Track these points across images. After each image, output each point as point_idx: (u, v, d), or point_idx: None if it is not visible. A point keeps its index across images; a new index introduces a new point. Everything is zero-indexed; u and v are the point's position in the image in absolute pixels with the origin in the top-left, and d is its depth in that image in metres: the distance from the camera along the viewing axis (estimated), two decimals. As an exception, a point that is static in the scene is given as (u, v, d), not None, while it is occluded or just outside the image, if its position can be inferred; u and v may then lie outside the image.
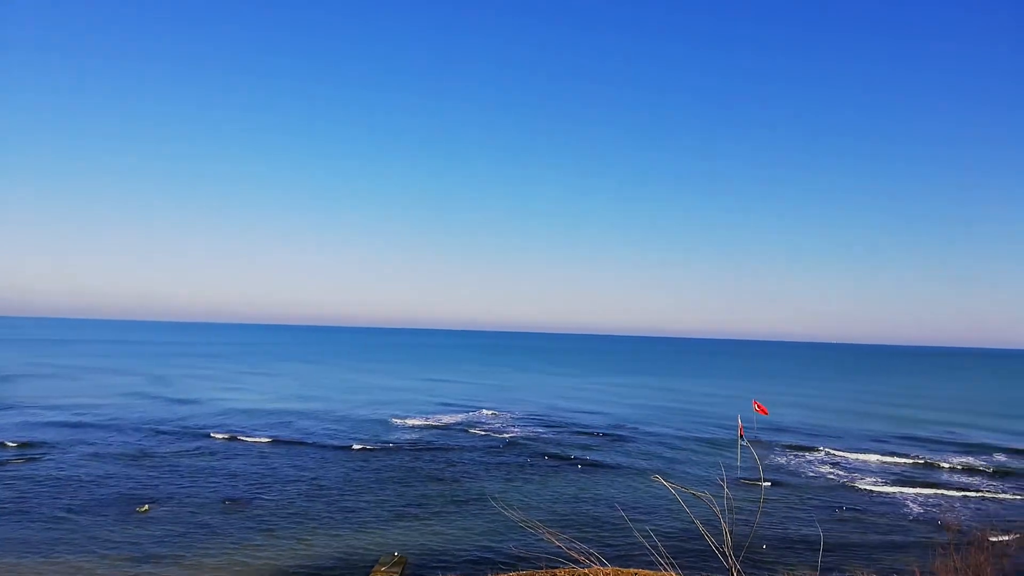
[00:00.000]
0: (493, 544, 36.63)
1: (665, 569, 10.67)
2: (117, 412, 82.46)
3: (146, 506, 42.02)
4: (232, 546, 35.56)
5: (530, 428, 79.48)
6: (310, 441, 66.56)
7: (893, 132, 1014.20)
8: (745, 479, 55.49)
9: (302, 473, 52.71)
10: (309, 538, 37.16)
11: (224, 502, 43.83)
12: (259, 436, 68.11)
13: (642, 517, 42.84)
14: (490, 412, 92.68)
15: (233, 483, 48.93)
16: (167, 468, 52.77)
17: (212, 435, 67.55)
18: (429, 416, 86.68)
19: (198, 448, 61.37)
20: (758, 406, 79.69)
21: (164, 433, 68.15)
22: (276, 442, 65.42)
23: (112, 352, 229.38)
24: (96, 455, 56.73)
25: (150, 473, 51.01)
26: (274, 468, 54.21)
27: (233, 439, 66.22)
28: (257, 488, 47.70)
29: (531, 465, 58.22)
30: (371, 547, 35.91)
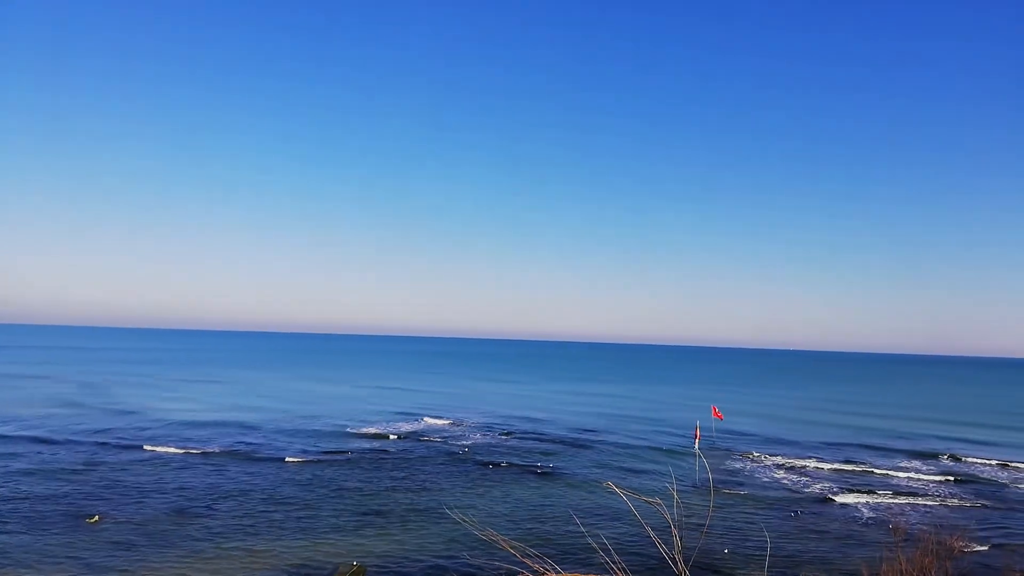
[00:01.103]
0: (452, 553, 36.80)
1: (617, 575, 10.99)
2: (55, 423, 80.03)
3: (96, 516, 41.35)
4: (187, 557, 35.25)
5: (489, 436, 79.72)
6: (264, 451, 65.64)
7: (840, 134, 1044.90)
8: (699, 485, 56.65)
9: (256, 483, 52.16)
10: (265, 549, 36.98)
11: (176, 513, 43.27)
12: (210, 446, 66.99)
13: (598, 524, 43.46)
14: (448, 420, 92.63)
15: (185, 494, 48.15)
16: (115, 480, 51.69)
17: (160, 446, 66.12)
18: (386, 425, 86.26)
19: (146, 459, 60.10)
20: (716, 411, 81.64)
21: (108, 445, 66.46)
22: (228, 452, 64.36)
23: (52, 359, 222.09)
24: (34, 470, 54.93)
25: (97, 486, 49.89)
26: (227, 478, 53.53)
27: (182, 449, 64.97)
28: (210, 498, 47.02)
29: (490, 473, 58.46)
30: (329, 557, 35.86)
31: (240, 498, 47.27)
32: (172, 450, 63.77)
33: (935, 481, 61.43)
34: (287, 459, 61.18)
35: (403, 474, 56.54)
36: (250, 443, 69.34)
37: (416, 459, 63.56)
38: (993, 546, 41.21)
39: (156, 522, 41.16)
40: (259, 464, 58.99)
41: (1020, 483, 60.96)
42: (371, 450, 67.84)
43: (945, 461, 72.30)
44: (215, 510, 44.13)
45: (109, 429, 75.67)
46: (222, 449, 65.36)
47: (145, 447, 64.96)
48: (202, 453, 62.91)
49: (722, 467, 64.86)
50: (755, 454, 72.27)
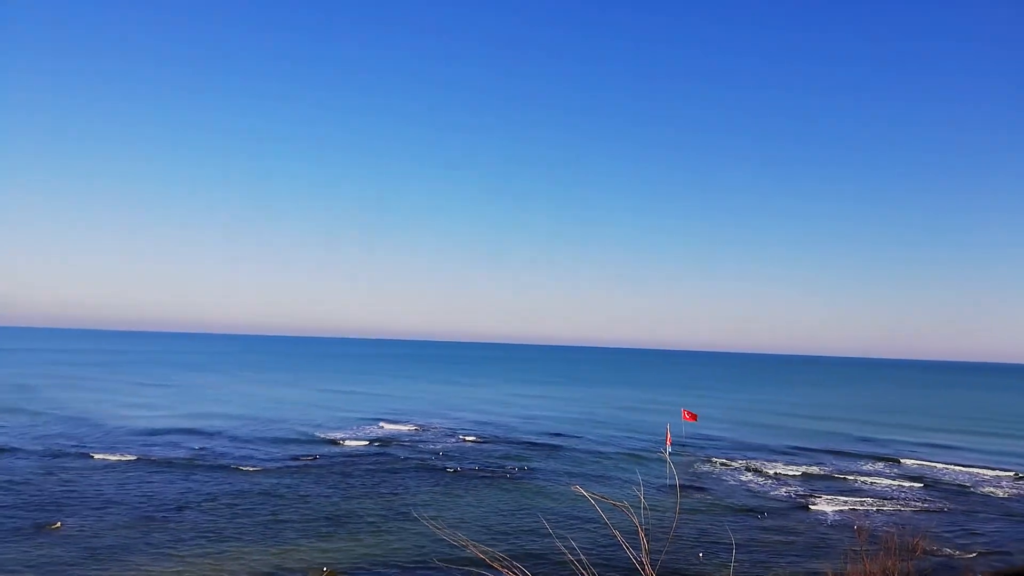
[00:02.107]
0: (422, 558, 37.01)
1: (584, 576, 11.25)
2: (4, 430, 78.09)
3: (58, 523, 40.90)
4: (152, 564, 35.04)
5: (459, 440, 79.83)
6: (228, 457, 64.94)
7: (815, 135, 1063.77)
8: (668, 489, 57.48)
9: (221, 489, 51.76)
10: (232, 556, 36.91)
11: (139, 520, 42.89)
12: (171, 453, 66.25)
13: (568, 528, 43.95)
14: (417, 424, 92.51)
15: (148, 501, 47.67)
16: (74, 488, 50.92)
17: (118, 453, 65.02)
18: (354, 429, 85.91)
19: (105, 467, 59.18)
20: (687, 414, 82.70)
21: (62, 453, 64.76)
22: (190, 458, 63.53)
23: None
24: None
25: (55, 494, 49.17)
26: (190, 485, 53.05)
27: (143, 456, 64.05)
28: (174, 506, 46.60)
29: (460, 478, 58.62)
30: (299, 563, 35.93)
31: (205, 505, 46.87)
32: (131, 457, 62.73)
33: (900, 484, 63.03)
34: (253, 466, 60.61)
35: (372, 479, 56.45)
36: (213, 449, 68.57)
37: (385, 464, 63.41)
38: (954, 547, 42.52)
39: (119, 529, 40.77)
40: (224, 471, 58.37)
41: (982, 486, 62.83)
42: (339, 455, 67.54)
43: (910, 465, 74.17)
44: (179, 517, 43.76)
45: (61, 435, 74.06)
46: (184, 456, 64.57)
47: (101, 455, 63.58)
48: (163, 460, 62.05)
49: (691, 470, 65.86)
50: (724, 458, 73.41)
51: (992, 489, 61.61)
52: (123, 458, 62.41)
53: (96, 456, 62.80)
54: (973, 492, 60.48)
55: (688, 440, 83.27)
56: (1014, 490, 61.55)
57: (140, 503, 46.75)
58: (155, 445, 69.61)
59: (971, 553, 41.39)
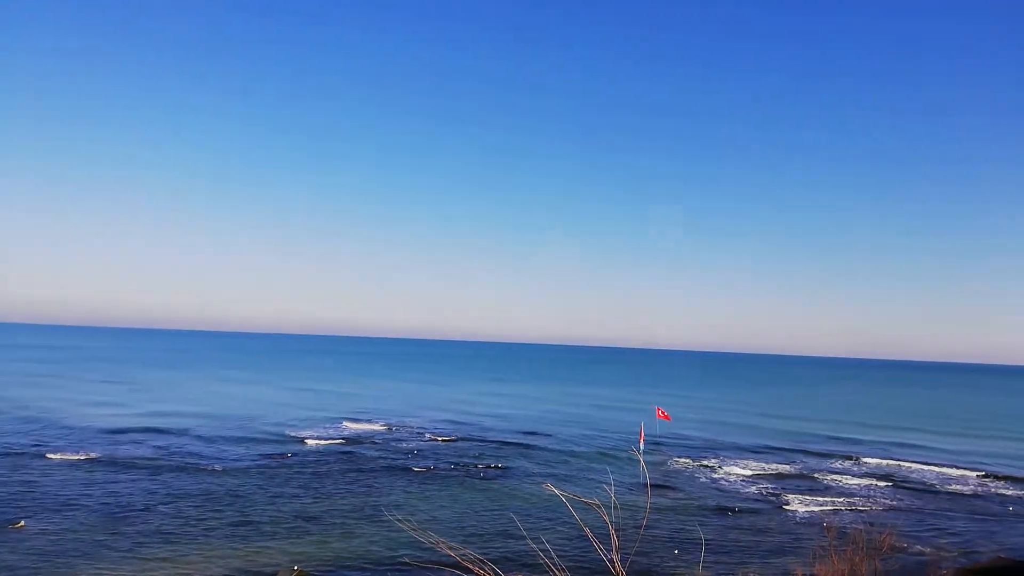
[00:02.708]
0: (393, 557, 37.08)
1: (556, 575, 11.45)
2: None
3: (21, 522, 40.39)
4: (119, 564, 34.74)
5: (430, 438, 79.88)
6: (194, 456, 64.39)
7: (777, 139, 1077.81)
8: (640, 487, 58.20)
9: (188, 488, 51.39)
10: (202, 554, 36.74)
11: (105, 520, 42.49)
12: (136, 451, 65.55)
13: (539, 526, 44.31)
14: (389, 423, 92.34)
15: (113, 501, 47.25)
16: (35, 488, 50.14)
17: (79, 453, 63.88)
18: (324, 428, 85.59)
19: (66, 466, 58.32)
20: (661, 412, 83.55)
21: (24, 454, 63.35)
22: (155, 457, 62.91)
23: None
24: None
25: (15, 494, 48.34)
26: (156, 485, 52.59)
27: (106, 455, 63.13)
28: (140, 506, 46.27)
29: (432, 476, 58.74)
30: (268, 564, 35.85)
31: (172, 505, 46.48)
32: (94, 456, 61.78)
33: (869, 483, 64.41)
34: (220, 465, 60.03)
35: (343, 479, 56.29)
36: (180, 448, 67.77)
37: (356, 463, 63.24)
38: (922, 544, 43.64)
39: (84, 529, 40.36)
40: (190, 470, 57.77)
41: (949, 484, 64.47)
42: (309, 454, 67.21)
43: (879, 463, 75.78)
44: (146, 517, 43.38)
45: (19, 433, 72.58)
46: (148, 455, 63.78)
47: (63, 454, 62.45)
48: (127, 459, 61.20)
49: (663, 469, 66.69)
50: (696, 456, 74.40)
51: (958, 487, 63.24)
52: (86, 457, 61.39)
53: (58, 455, 61.70)
54: (940, 490, 62.02)
55: (662, 439, 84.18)
56: (980, 488, 63.25)
57: (105, 503, 46.16)
58: (119, 444, 68.62)
59: (938, 549, 42.52)
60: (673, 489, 57.53)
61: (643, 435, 76.60)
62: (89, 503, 46.30)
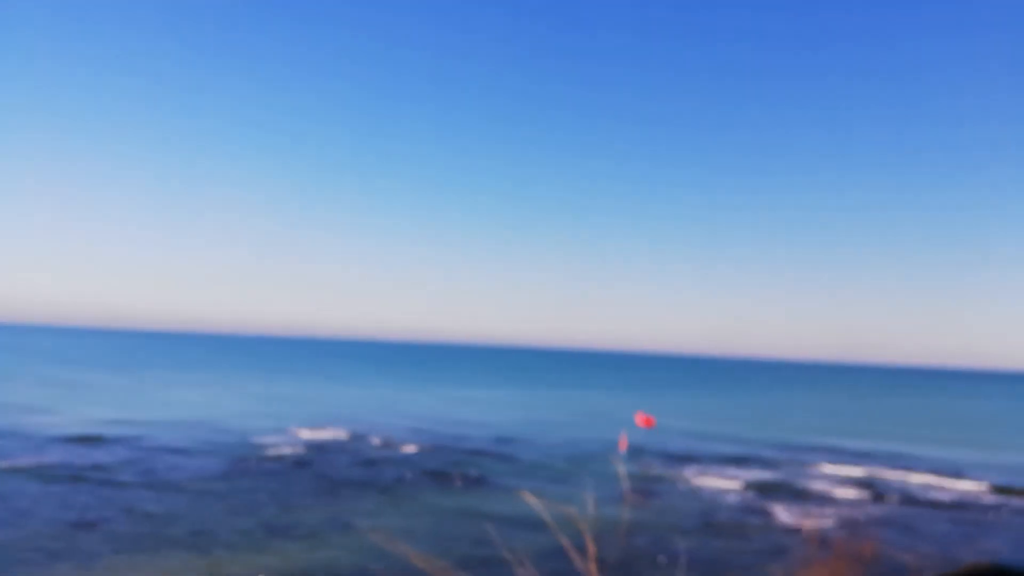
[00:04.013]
0: (364, 568, 36.73)
1: (531, 586, 11.41)
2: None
3: None
4: (82, 568, 34.18)
5: (404, 445, 79.43)
6: (153, 465, 63.24)
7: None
8: (619, 494, 58.39)
9: (157, 490, 50.78)
10: (166, 560, 36.19)
11: (64, 529, 41.57)
12: (91, 459, 64.02)
13: (516, 535, 44.15)
14: (360, 428, 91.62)
15: (70, 511, 46.10)
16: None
17: (32, 460, 62.54)
18: (298, 430, 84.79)
19: (12, 475, 56.76)
20: (643, 418, 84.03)
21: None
22: (112, 465, 61.66)
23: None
24: None
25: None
26: (126, 484, 52.14)
27: (60, 463, 61.71)
28: (98, 516, 45.20)
29: (406, 484, 58.40)
30: (234, 570, 35.45)
31: (132, 515, 45.49)
32: (44, 463, 60.47)
33: (851, 490, 65.15)
34: (178, 473, 58.99)
35: (310, 487, 55.66)
36: (135, 457, 66.49)
37: (323, 471, 62.66)
38: (903, 551, 44.28)
39: (49, 530, 39.85)
40: (146, 479, 56.70)
41: (931, 491, 65.48)
42: (273, 461, 66.42)
43: (862, 471, 76.74)
44: (105, 527, 42.44)
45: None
46: (115, 456, 63.04)
47: (6, 461, 61.24)
48: (94, 460, 60.21)
49: (643, 476, 66.96)
50: (677, 463, 74.81)
51: (940, 495, 64.17)
52: (36, 464, 60.16)
53: (5, 463, 60.43)
54: (921, 497, 62.94)
55: (643, 445, 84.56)
56: (961, 495, 64.30)
57: (54, 514, 45.10)
58: (70, 451, 67.31)
59: (919, 556, 43.22)
60: (653, 497, 57.78)
61: (624, 442, 76.97)
62: (44, 513, 45.13)
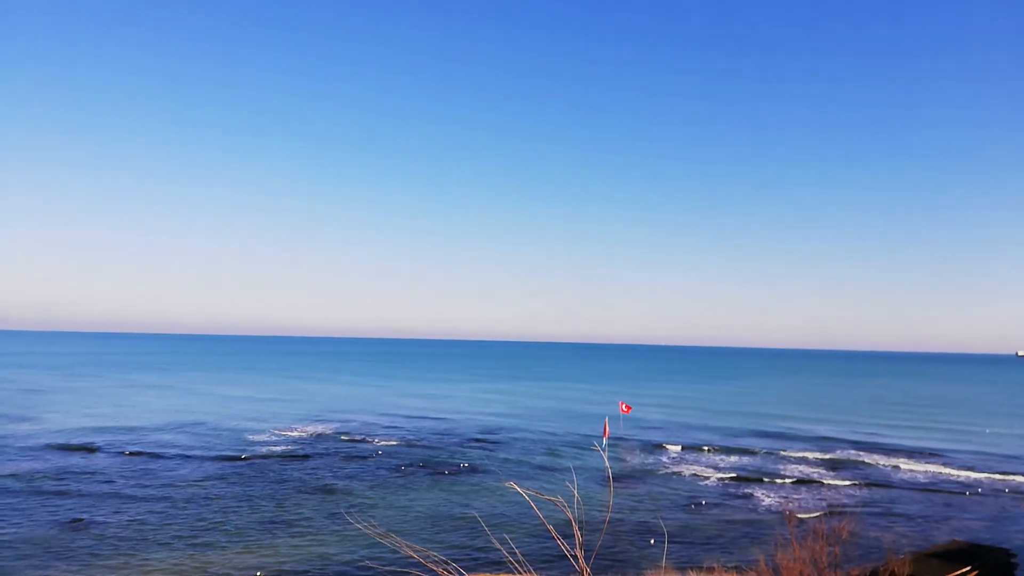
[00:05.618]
0: (357, 559, 36.93)
1: (521, 573, 11.66)
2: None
3: None
4: (82, 569, 34.24)
5: (395, 438, 79.57)
6: (158, 458, 63.41)
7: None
8: (603, 481, 58.96)
9: (151, 492, 50.89)
10: (161, 560, 36.19)
11: (67, 523, 42.03)
12: (95, 456, 63.85)
13: (504, 524, 44.60)
14: (353, 422, 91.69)
15: (74, 505, 46.61)
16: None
17: (30, 462, 61.93)
18: (289, 428, 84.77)
19: (20, 476, 56.14)
20: (624, 406, 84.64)
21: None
22: (114, 461, 61.84)
23: None
24: None
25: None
26: (121, 486, 52.11)
27: (63, 459, 61.31)
28: (101, 509, 45.79)
29: (396, 476, 58.62)
30: (229, 568, 35.46)
31: (133, 508, 46.01)
32: (42, 466, 59.94)
33: (829, 472, 66.28)
34: (176, 472, 59.07)
35: (303, 482, 55.76)
36: (135, 455, 66.21)
37: (319, 464, 62.77)
38: (879, 530, 45.12)
39: (46, 533, 39.88)
40: (147, 477, 56.69)
41: (906, 473, 66.75)
42: (268, 457, 66.34)
43: (839, 453, 77.99)
44: (107, 521, 42.91)
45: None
46: (109, 458, 62.82)
47: (41, 454, 61.35)
48: (87, 464, 60.01)
49: (627, 462, 67.71)
50: (660, 449, 75.73)
51: (915, 476, 65.46)
52: (35, 468, 59.57)
53: (27, 455, 60.64)
54: (897, 477, 64.16)
55: (626, 432, 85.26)
56: (936, 476, 65.55)
57: (55, 512, 45.03)
58: (69, 455, 66.68)
59: (896, 535, 44.01)
60: (637, 481, 58.39)
61: (607, 430, 77.49)
62: (49, 507, 45.61)
